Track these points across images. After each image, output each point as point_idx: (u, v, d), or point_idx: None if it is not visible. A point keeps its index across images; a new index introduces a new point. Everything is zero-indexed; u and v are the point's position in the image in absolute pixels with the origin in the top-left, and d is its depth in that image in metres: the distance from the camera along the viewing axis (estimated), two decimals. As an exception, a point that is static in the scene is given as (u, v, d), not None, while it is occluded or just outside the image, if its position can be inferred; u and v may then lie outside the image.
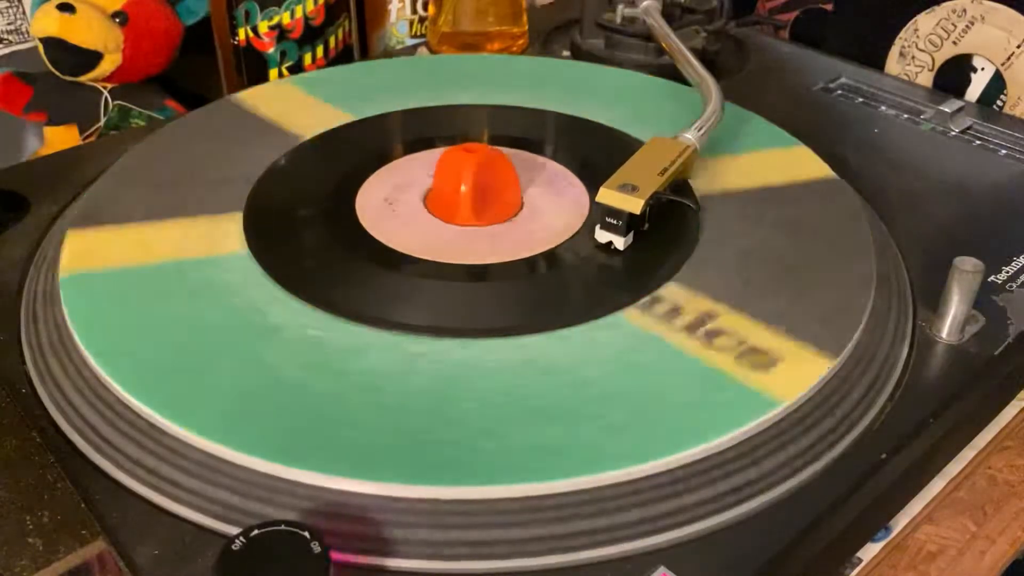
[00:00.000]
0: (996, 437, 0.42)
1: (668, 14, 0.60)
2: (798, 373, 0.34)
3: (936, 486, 0.39)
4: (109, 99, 0.64)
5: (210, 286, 0.38)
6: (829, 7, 0.69)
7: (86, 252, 0.40)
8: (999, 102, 0.60)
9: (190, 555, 0.29)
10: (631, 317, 0.37)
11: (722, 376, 0.34)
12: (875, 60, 0.64)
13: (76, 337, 0.35)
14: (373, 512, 0.30)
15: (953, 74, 0.61)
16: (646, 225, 0.41)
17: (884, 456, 0.34)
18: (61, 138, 0.64)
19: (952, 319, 0.39)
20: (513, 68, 0.59)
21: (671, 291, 0.38)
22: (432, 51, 0.67)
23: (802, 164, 0.48)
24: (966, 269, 0.38)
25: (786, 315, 0.37)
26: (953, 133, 0.55)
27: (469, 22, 0.65)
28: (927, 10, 0.61)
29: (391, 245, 0.41)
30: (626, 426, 0.32)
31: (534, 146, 0.50)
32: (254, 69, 0.63)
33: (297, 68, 0.64)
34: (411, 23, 0.73)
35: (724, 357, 0.35)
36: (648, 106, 0.54)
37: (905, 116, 0.57)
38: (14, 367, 0.37)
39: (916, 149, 0.54)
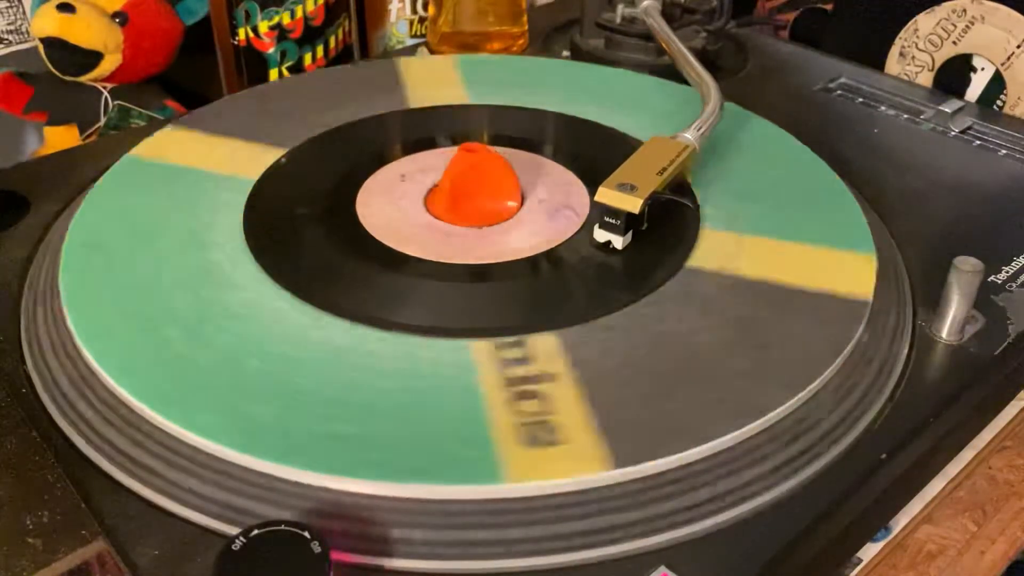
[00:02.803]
0: (996, 437, 0.42)
1: (668, 14, 0.60)
2: (555, 465, 0.31)
3: (936, 486, 0.39)
4: (109, 99, 0.64)
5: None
6: (829, 7, 0.69)
7: (161, 144, 0.48)
8: (999, 102, 0.60)
9: (190, 555, 0.29)
10: (476, 348, 0.35)
11: (485, 435, 0.32)
12: (875, 60, 0.64)
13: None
14: (373, 512, 0.30)
15: (953, 74, 0.61)
16: (645, 225, 0.41)
17: (884, 456, 0.34)
18: (61, 138, 0.64)
19: (952, 319, 0.39)
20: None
21: (543, 340, 0.36)
22: (432, 51, 0.67)
23: (846, 275, 0.40)
24: (966, 269, 0.38)
25: (625, 410, 0.33)
26: (953, 133, 0.55)
27: (469, 22, 0.65)
28: (927, 10, 0.61)
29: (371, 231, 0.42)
30: (352, 438, 0.31)
31: (533, 146, 0.50)
32: (254, 69, 0.63)
33: (297, 68, 0.64)
34: (411, 23, 0.73)
35: (510, 419, 0.32)
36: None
37: (905, 116, 0.57)
38: (14, 367, 0.37)
39: (916, 149, 0.54)
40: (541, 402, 0.33)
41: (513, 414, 0.33)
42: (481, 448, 0.31)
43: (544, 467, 0.31)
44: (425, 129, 0.52)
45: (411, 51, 0.68)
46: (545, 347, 0.36)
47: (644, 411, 0.33)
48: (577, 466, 0.31)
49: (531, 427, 0.32)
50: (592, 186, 0.44)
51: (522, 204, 0.45)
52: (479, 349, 0.35)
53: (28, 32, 0.65)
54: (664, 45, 0.56)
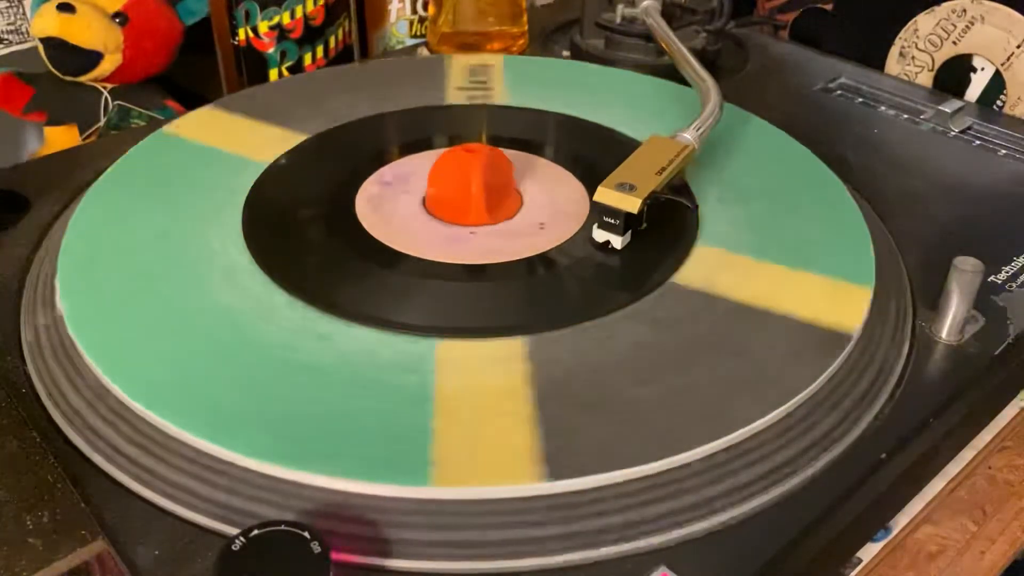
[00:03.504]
0: (996, 437, 0.42)
1: (668, 14, 0.60)
2: (483, 473, 0.31)
3: (936, 486, 0.39)
4: (109, 99, 0.64)
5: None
6: (829, 7, 0.69)
7: (194, 123, 0.50)
8: (999, 102, 0.60)
9: (190, 555, 0.29)
10: (443, 347, 0.35)
11: (426, 437, 0.32)
12: (875, 60, 0.64)
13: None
14: (373, 512, 0.30)
15: (953, 74, 0.61)
16: (644, 224, 0.41)
17: (884, 456, 0.34)
18: (61, 138, 0.64)
19: (952, 319, 0.39)
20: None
21: (510, 345, 0.36)
22: (432, 51, 0.67)
23: (838, 307, 0.38)
24: (966, 269, 0.38)
25: (572, 427, 0.32)
26: (953, 133, 0.55)
27: (469, 22, 0.65)
28: (927, 10, 0.61)
29: (402, 250, 0.42)
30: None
31: (533, 146, 0.50)
32: (254, 69, 0.63)
33: (297, 68, 0.64)
34: (411, 23, 0.73)
35: (456, 425, 0.32)
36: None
37: (905, 116, 0.57)
38: (14, 367, 0.37)
39: (916, 149, 0.54)
40: (490, 409, 0.33)
41: (457, 422, 0.32)
42: (418, 451, 0.31)
43: (470, 475, 0.31)
44: (424, 130, 0.52)
45: (411, 51, 0.68)
46: (512, 351, 0.35)
47: (589, 426, 0.32)
48: (504, 476, 0.30)
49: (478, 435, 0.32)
50: (591, 187, 0.44)
51: (521, 204, 0.45)
52: (444, 348, 0.36)
53: (28, 32, 0.65)
54: (664, 45, 0.56)
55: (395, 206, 0.44)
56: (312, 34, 0.64)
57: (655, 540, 0.30)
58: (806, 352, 0.36)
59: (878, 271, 0.40)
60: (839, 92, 0.60)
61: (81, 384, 0.35)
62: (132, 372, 0.34)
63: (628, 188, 0.40)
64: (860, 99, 0.59)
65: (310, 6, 0.63)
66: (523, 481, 0.30)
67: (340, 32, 0.68)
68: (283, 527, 0.27)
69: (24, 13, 0.65)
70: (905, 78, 0.63)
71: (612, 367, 0.35)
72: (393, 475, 0.30)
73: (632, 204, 0.40)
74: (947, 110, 0.56)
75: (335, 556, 0.27)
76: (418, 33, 0.73)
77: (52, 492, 0.31)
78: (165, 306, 0.37)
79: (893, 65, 0.64)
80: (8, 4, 0.64)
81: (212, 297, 0.38)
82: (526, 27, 0.67)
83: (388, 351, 0.35)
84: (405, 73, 0.58)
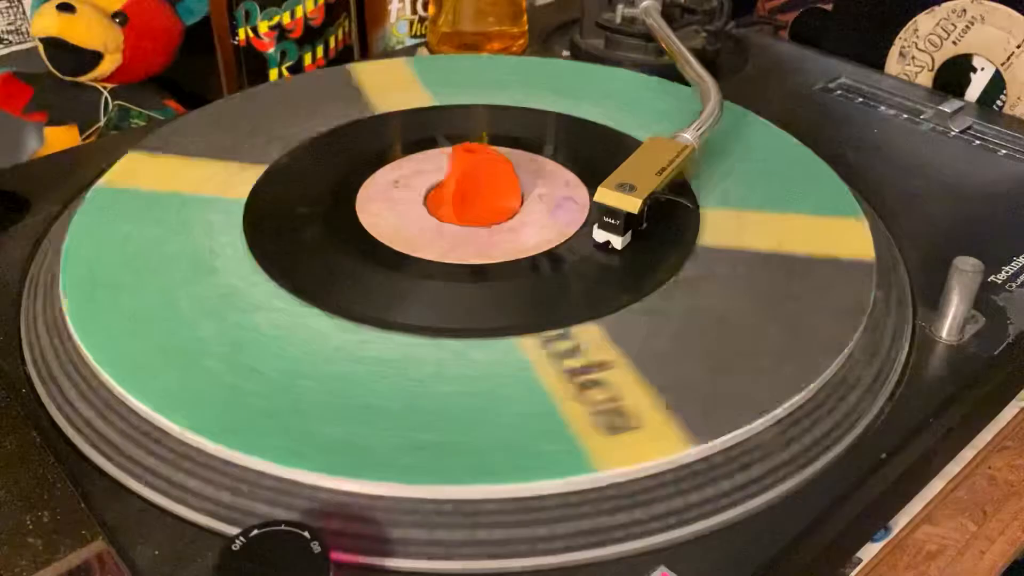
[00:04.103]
0: (996, 437, 0.42)
1: (668, 14, 0.60)
2: (639, 448, 0.31)
3: (936, 486, 0.39)
4: (109, 99, 0.64)
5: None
6: (829, 7, 0.69)
7: (130, 170, 0.46)
8: (999, 102, 0.60)
9: (190, 555, 0.29)
10: (525, 344, 0.36)
11: (562, 426, 0.32)
12: (875, 60, 0.64)
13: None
14: (373, 512, 0.30)
15: (953, 74, 0.61)
16: (644, 225, 0.41)
17: (884, 456, 0.34)
18: (61, 138, 0.64)
19: (952, 319, 0.39)
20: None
21: (587, 331, 0.37)
22: (432, 51, 0.67)
23: (844, 239, 0.42)
24: (966, 269, 0.38)
25: (685, 388, 0.34)
26: (953, 133, 0.55)
27: (469, 22, 0.65)
28: (927, 10, 0.61)
29: (379, 238, 0.42)
30: (428, 447, 0.31)
31: (533, 146, 0.50)
32: (254, 69, 0.63)
33: (297, 68, 0.64)
34: (411, 23, 0.73)
35: (582, 410, 0.33)
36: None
37: (905, 116, 0.57)
38: (14, 367, 0.37)
39: (916, 149, 0.54)
40: (606, 390, 0.34)
41: (583, 404, 0.33)
42: (563, 442, 0.32)
43: (628, 453, 0.31)
44: (422, 130, 0.52)
45: (411, 51, 0.68)
46: (590, 337, 0.36)
47: (703, 388, 0.34)
48: (660, 447, 0.31)
49: (607, 415, 0.33)
50: (592, 186, 0.44)
51: (523, 202, 0.45)
52: (527, 346, 0.36)
53: (28, 32, 0.65)
54: (664, 45, 0.57)
55: (398, 213, 0.44)
56: (312, 34, 0.64)
57: (655, 540, 0.30)
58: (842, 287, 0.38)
59: (878, 271, 0.40)
60: (839, 92, 0.60)
61: (82, 384, 0.35)
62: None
63: (628, 188, 0.40)
64: (860, 99, 0.59)
65: (310, 6, 0.63)
66: (677, 451, 0.31)
67: (340, 32, 0.68)
68: (283, 527, 0.27)
69: (24, 13, 0.65)
70: (905, 78, 0.63)
71: (687, 334, 0.36)
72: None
73: (632, 204, 0.40)
74: (947, 110, 0.56)
75: (335, 556, 0.27)
76: (418, 33, 0.73)
77: (52, 492, 0.31)
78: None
79: (893, 65, 0.64)
80: (8, 4, 0.64)
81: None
82: (526, 27, 0.67)
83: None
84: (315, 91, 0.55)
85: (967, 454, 0.40)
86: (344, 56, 0.69)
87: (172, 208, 0.43)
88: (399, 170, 0.47)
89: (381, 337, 0.36)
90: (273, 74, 0.63)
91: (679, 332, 0.37)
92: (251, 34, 0.62)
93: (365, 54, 0.74)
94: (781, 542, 0.31)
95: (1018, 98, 0.59)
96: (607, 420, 0.32)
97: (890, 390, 0.37)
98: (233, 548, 0.26)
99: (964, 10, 0.59)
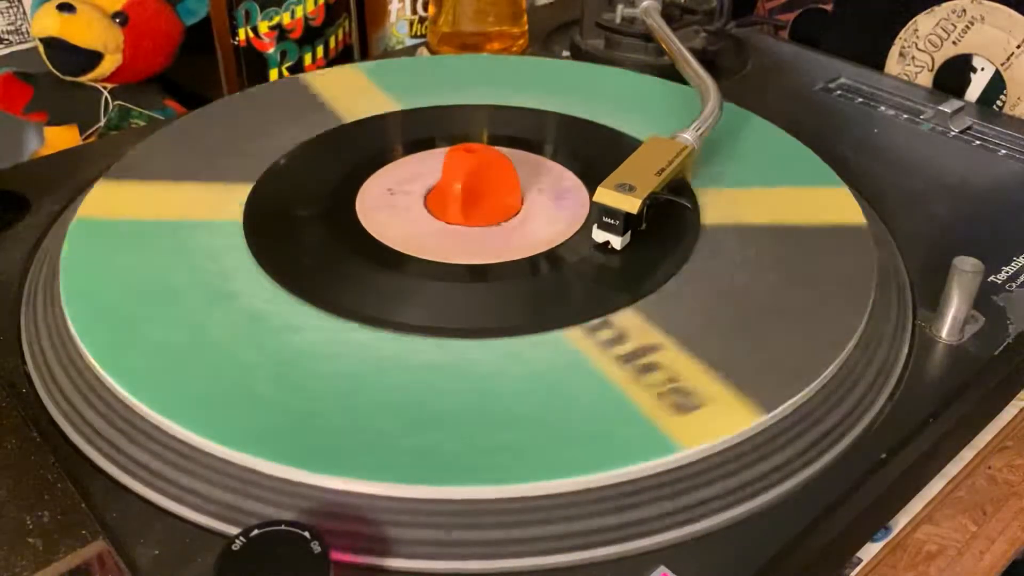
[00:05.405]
0: (996, 437, 0.42)
1: (668, 14, 0.60)
2: (715, 423, 0.32)
3: (936, 486, 0.39)
4: (109, 99, 0.64)
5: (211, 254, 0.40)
6: (829, 7, 0.69)
7: (105, 200, 0.43)
8: (999, 102, 0.60)
9: (190, 555, 0.29)
10: (572, 336, 0.36)
11: (635, 411, 0.33)
12: (875, 60, 0.64)
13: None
14: (373, 512, 0.30)
15: (953, 74, 0.61)
16: (643, 225, 0.41)
17: (884, 456, 0.34)
18: (61, 138, 0.64)
19: (952, 319, 0.39)
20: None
21: (626, 317, 0.37)
22: (432, 51, 0.67)
23: (834, 207, 0.44)
24: (966, 269, 0.38)
25: (733, 361, 0.35)
26: (953, 133, 0.55)
27: (469, 22, 0.65)
28: (927, 10, 0.61)
29: (391, 245, 0.41)
30: (513, 446, 0.31)
31: (533, 146, 0.50)
32: (254, 69, 0.63)
33: (297, 68, 0.64)
34: (411, 23, 0.73)
35: (647, 393, 0.33)
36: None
37: (905, 116, 0.57)
38: (14, 367, 0.37)
39: (916, 149, 0.54)
40: (663, 371, 0.34)
41: (645, 388, 0.34)
42: (640, 424, 0.32)
43: (706, 428, 0.32)
44: (422, 130, 0.52)
45: (411, 51, 0.68)
46: (630, 322, 0.37)
47: (755, 357, 0.35)
48: (734, 420, 0.32)
49: (671, 395, 0.33)
50: (591, 186, 0.44)
51: (523, 199, 0.45)
52: (574, 337, 0.36)
53: (28, 32, 0.65)
54: (664, 45, 0.57)
55: (402, 218, 0.44)
56: (312, 34, 0.64)
57: (655, 540, 0.30)
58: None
59: (878, 271, 0.40)
60: (839, 92, 0.60)
61: (82, 384, 0.35)
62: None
63: (628, 188, 0.40)
64: (860, 99, 0.59)
65: (310, 6, 0.63)
66: (751, 421, 0.32)
67: (340, 32, 0.68)
68: (283, 527, 0.27)
69: (24, 13, 0.65)
70: (905, 78, 0.63)
71: (721, 309, 0.38)
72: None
73: (632, 204, 0.40)
74: (947, 110, 0.56)
75: (335, 556, 0.27)
76: (418, 33, 0.73)
77: (52, 492, 0.31)
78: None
79: (893, 65, 0.64)
80: (8, 4, 0.64)
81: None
82: (526, 27, 0.67)
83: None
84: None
85: (967, 454, 0.40)
86: (344, 56, 0.69)
87: (164, 235, 0.41)
88: (390, 176, 0.47)
89: (427, 344, 0.36)
90: (273, 74, 0.63)
91: (709, 309, 0.38)
92: (251, 34, 0.62)
93: (365, 54, 0.74)
94: (781, 542, 0.31)
95: (1018, 98, 0.59)
96: (673, 400, 0.33)
97: (890, 390, 0.37)
98: (233, 548, 0.26)
99: (964, 10, 0.59)
